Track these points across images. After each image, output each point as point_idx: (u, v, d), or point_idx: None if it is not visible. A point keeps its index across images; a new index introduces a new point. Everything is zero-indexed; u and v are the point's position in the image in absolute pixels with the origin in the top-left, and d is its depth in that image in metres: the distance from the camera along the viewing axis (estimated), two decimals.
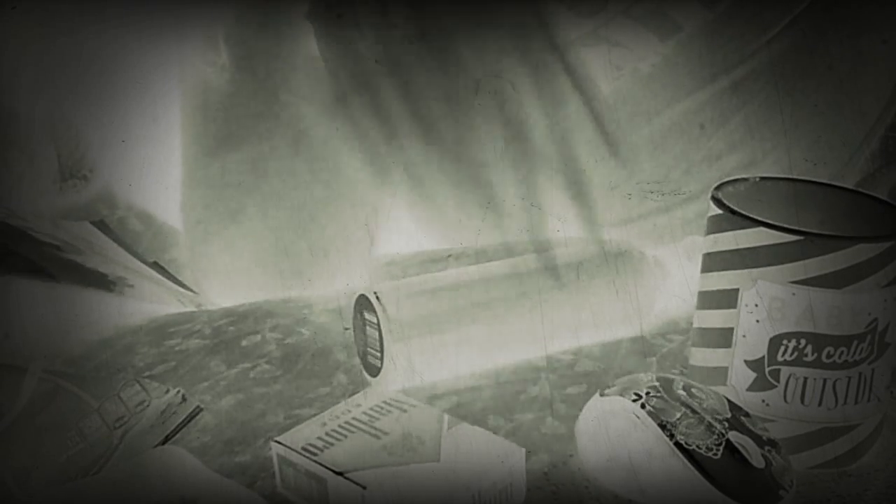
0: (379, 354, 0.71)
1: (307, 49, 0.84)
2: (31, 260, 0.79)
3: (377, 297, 0.71)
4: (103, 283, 0.83)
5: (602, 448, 0.61)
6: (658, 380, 0.62)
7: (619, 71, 0.82)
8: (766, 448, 0.58)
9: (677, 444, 0.57)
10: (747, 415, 0.60)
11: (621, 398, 0.60)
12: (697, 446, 0.57)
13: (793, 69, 0.84)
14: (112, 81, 0.82)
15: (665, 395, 0.60)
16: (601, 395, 0.62)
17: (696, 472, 0.56)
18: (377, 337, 0.71)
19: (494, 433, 0.67)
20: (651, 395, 0.60)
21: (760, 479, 0.57)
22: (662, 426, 0.58)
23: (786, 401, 0.61)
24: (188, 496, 0.59)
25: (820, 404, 0.61)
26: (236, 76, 0.84)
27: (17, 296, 0.80)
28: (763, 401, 0.62)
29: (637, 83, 0.83)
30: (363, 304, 0.72)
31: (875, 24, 0.85)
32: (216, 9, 0.82)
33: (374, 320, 0.71)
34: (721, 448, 0.57)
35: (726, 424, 0.59)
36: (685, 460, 0.57)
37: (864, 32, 0.85)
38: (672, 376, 0.62)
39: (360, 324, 0.73)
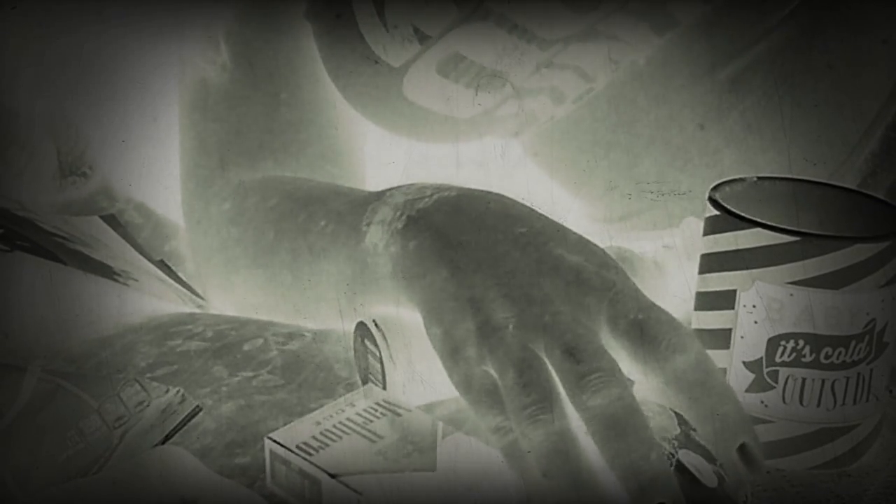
0: (381, 384, 0.70)
1: (308, 49, 0.84)
2: (39, 244, 0.79)
3: (376, 325, 0.70)
4: (108, 272, 0.83)
5: (549, 476, 0.56)
6: None
7: (615, 65, 0.82)
8: (719, 463, 0.56)
9: None
10: (695, 429, 0.58)
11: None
12: None
13: (792, 67, 0.84)
14: (112, 81, 0.82)
15: None
16: None
17: None
18: (380, 369, 0.70)
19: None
20: None
21: (714, 499, 0.55)
22: None
23: (784, 402, 0.61)
24: (188, 496, 0.59)
25: (819, 405, 0.61)
26: (236, 75, 0.84)
27: (16, 294, 0.80)
28: (762, 402, 0.62)
29: (633, 77, 0.83)
30: (364, 331, 0.72)
31: (875, 23, 0.85)
32: (216, 8, 0.82)
33: (377, 353, 0.70)
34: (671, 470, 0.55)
35: (675, 443, 0.56)
36: None
37: (864, 32, 0.85)
38: None
39: (361, 349, 0.72)
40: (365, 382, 0.73)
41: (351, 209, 0.72)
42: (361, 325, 0.72)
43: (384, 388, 0.70)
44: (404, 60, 0.80)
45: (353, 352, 0.74)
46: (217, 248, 0.85)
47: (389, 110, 0.84)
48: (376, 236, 0.68)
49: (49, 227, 0.81)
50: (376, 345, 0.70)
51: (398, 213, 0.67)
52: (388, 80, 0.81)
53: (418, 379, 0.71)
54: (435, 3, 0.78)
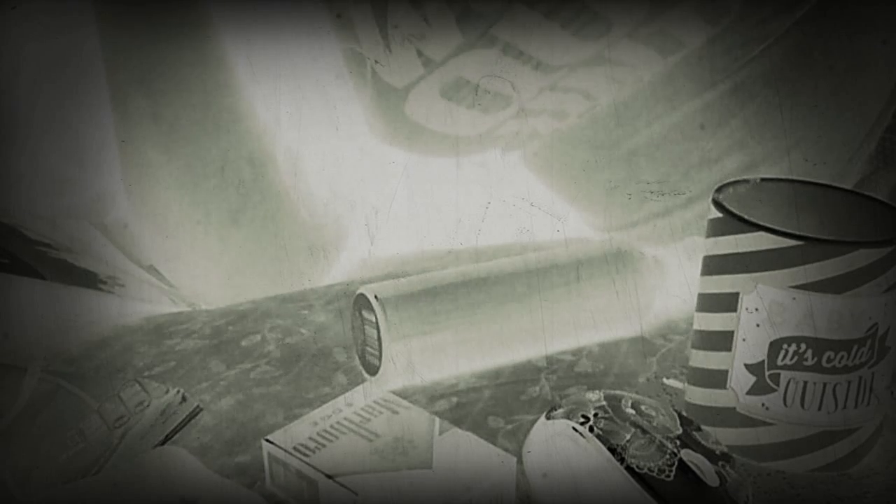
0: (378, 353, 0.71)
1: (314, 52, 0.84)
2: (19, 258, 0.79)
3: (375, 297, 0.71)
4: (93, 281, 0.83)
5: (551, 476, 0.59)
6: (606, 398, 0.60)
7: (620, 85, 0.82)
8: (720, 464, 0.57)
9: (629, 469, 0.55)
10: (699, 429, 0.59)
11: (568, 421, 0.58)
12: (649, 469, 0.55)
13: (793, 70, 0.84)
14: (112, 81, 0.82)
15: (613, 416, 0.58)
16: (547, 417, 0.60)
17: (650, 497, 0.55)
18: (376, 336, 0.71)
19: (494, 434, 0.67)
20: (599, 416, 0.58)
21: (715, 498, 0.55)
22: (612, 450, 0.56)
23: (786, 404, 0.61)
24: (188, 496, 0.59)
25: (820, 408, 0.61)
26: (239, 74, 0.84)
27: (16, 295, 0.80)
28: (763, 404, 0.62)
29: (637, 90, 0.83)
30: (362, 302, 0.72)
31: (875, 24, 0.85)
32: (219, 8, 0.82)
33: (373, 319, 0.71)
34: (674, 469, 0.55)
35: (678, 442, 0.57)
36: (638, 486, 0.55)
37: (864, 32, 0.85)
38: (621, 393, 0.61)
39: (358, 323, 0.73)
40: (362, 356, 0.73)
41: None
42: (360, 297, 0.72)
43: (380, 357, 0.71)
44: (407, 82, 0.80)
45: (351, 329, 0.74)
46: (215, 250, 0.85)
47: (391, 128, 0.84)
48: None
49: (34, 235, 0.81)
50: (373, 312, 0.70)
51: None
52: (389, 100, 0.81)
53: (417, 378, 0.72)
54: (440, 30, 0.78)
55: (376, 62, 0.81)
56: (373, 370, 0.72)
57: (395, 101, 0.81)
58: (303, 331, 0.80)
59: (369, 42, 0.79)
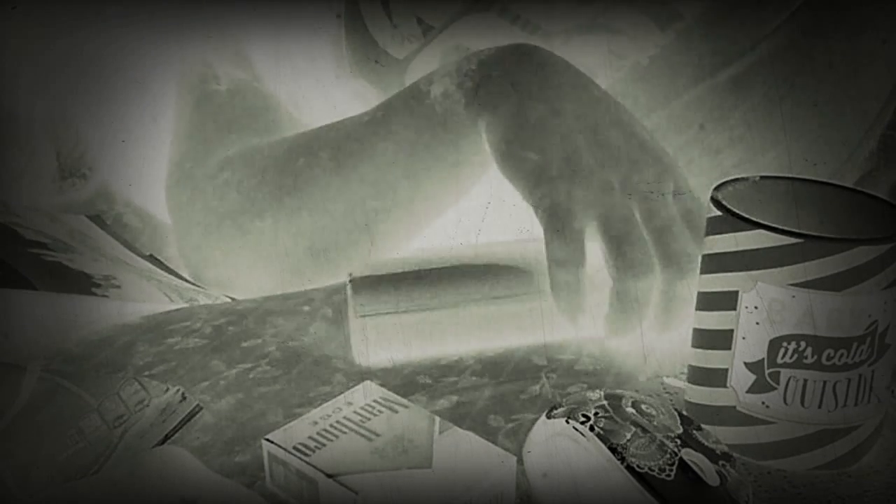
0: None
1: (314, 52, 0.84)
2: (12, 267, 0.79)
3: (350, 277, 0.74)
4: (86, 285, 0.83)
5: (551, 475, 0.58)
6: (606, 398, 0.59)
7: (620, 60, 0.82)
8: (721, 463, 0.57)
9: (629, 468, 0.55)
10: (700, 428, 0.59)
11: (569, 420, 0.58)
12: (650, 468, 0.55)
13: (792, 67, 0.84)
14: (112, 81, 0.82)
15: (614, 415, 0.58)
16: (547, 417, 0.60)
17: (650, 497, 0.54)
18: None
19: (494, 433, 0.67)
20: (599, 415, 0.58)
21: (716, 497, 0.55)
22: (613, 449, 0.56)
23: (786, 403, 0.61)
24: (188, 496, 0.59)
25: (820, 406, 0.61)
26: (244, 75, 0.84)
27: (16, 294, 0.80)
28: (763, 403, 0.62)
29: (636, 77, 0.83)
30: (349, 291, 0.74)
31: (875, 23, 0.85)
32: (219, 9, 0.82)
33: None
34: (674, 468, 0.55)
35: (678, 442, 0.57)
36: (638, 485, 0.55)
37: (864, 31, 0.85)
38: (621, 392, 0.61)
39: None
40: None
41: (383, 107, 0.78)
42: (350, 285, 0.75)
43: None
44: (408, 52, 0.80)
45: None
46: (215, 250, 0.85)
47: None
48: (444, 84, 0.73)
49: (31, 235, 0.81)
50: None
51: (466, 63, 0.72)
52: (391, 72, 0.81)
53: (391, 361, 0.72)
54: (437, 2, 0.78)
55: (376, 62, 0.81)
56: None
57: (396, 71, 0.81)
58: (303, 337, 0.80)
59: (374, 20, 0.79)
